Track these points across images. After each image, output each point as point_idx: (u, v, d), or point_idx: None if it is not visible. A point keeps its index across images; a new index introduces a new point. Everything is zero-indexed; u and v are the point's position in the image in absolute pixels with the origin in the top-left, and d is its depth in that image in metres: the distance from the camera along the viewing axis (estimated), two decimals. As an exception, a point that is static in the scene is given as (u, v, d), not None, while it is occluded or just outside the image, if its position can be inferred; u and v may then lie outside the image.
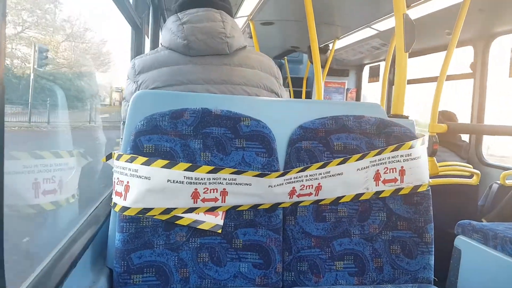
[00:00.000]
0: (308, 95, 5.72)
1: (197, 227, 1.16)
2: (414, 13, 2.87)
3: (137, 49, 2.45)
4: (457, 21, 2.32)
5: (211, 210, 1.17)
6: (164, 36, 1.47)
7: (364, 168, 1.28)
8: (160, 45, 1.50)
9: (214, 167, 1.16)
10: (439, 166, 2.43)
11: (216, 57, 1.44)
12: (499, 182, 2.57)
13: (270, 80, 1.52)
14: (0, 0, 0.55)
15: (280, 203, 1.23)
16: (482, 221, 2.20)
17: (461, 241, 1.88)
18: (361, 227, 1.27)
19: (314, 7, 2.47)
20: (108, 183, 1.54)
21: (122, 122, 1.51)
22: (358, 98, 5.72)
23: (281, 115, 1.33)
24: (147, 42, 2.77)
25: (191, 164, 1.15)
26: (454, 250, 1.91)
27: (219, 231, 1.17)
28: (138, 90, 1.39)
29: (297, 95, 5.79)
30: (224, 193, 1.17)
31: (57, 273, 0.90)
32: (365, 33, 3.94)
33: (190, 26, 1.40)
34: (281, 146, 1.30)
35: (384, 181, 1.28)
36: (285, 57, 5.55)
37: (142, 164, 1.13)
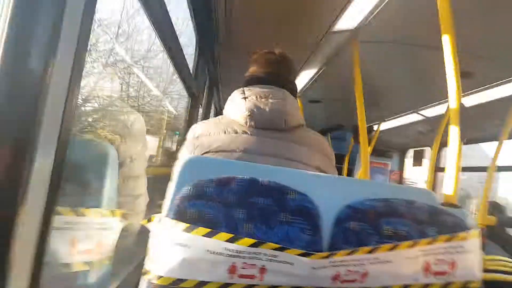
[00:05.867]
0: (350, 173, 5.64)
1: None
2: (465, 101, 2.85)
3: (191, 116, 2.57)
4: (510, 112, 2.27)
5: None
6: (227, 106, 1.54)
7: (414, 257, 1.17)
8: (222, 114, 1.58)
9: (256, 240, 1.10)
10: (485, 260, 2.21)
11: (272, 131, 1.46)
12: None
13: (324, 161, 1.52)
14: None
15: None
16: None
17: None
18: None
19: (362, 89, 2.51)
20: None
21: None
22: (401, 181, 5.54)
23: (328, 192, 1.28)
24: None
25: (233, 235, 1.09)
26: None
27: None
28: (194, 153, 1.42)
29: (338, 172, 5.72)
30: (263, 270, 1.09)
31: None
32: (412, 117, 3.92)
33: (253, 100, 1.46)
34: (326, 224, 1.23)
35: (435, 273, 1.17)
36: (329, 134, 5.60)
37: (183, 230, 1.10)
